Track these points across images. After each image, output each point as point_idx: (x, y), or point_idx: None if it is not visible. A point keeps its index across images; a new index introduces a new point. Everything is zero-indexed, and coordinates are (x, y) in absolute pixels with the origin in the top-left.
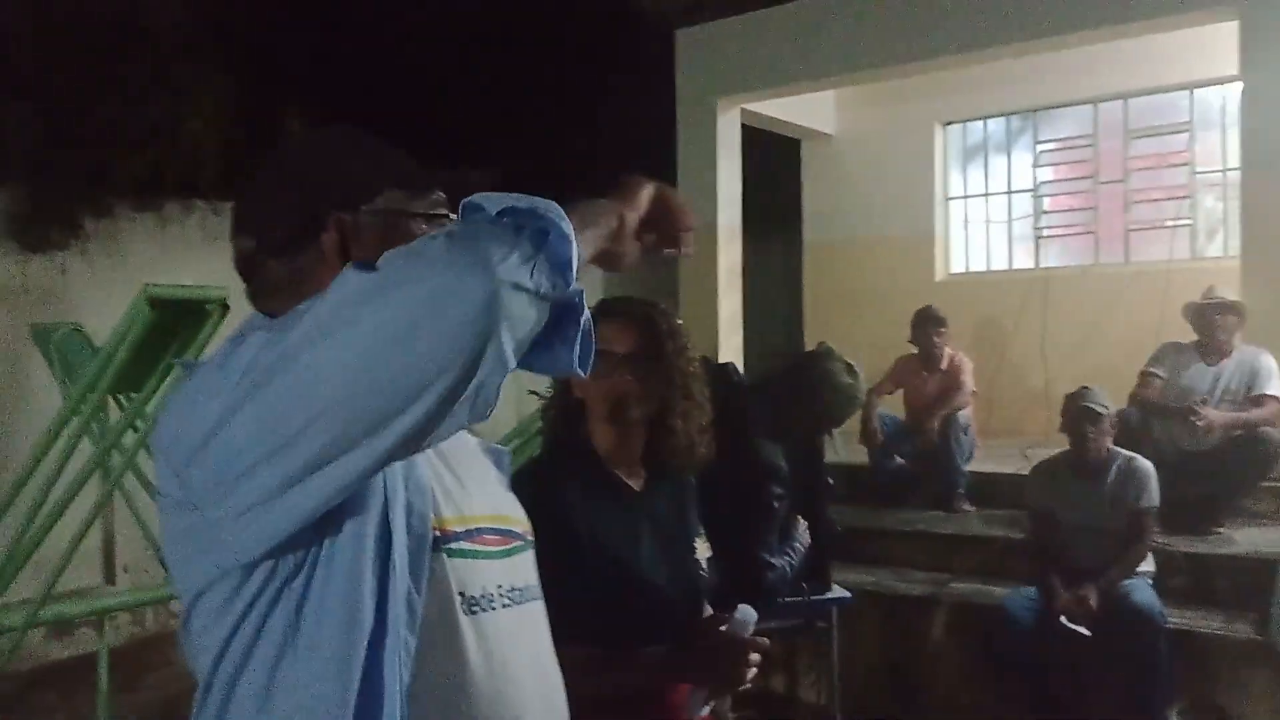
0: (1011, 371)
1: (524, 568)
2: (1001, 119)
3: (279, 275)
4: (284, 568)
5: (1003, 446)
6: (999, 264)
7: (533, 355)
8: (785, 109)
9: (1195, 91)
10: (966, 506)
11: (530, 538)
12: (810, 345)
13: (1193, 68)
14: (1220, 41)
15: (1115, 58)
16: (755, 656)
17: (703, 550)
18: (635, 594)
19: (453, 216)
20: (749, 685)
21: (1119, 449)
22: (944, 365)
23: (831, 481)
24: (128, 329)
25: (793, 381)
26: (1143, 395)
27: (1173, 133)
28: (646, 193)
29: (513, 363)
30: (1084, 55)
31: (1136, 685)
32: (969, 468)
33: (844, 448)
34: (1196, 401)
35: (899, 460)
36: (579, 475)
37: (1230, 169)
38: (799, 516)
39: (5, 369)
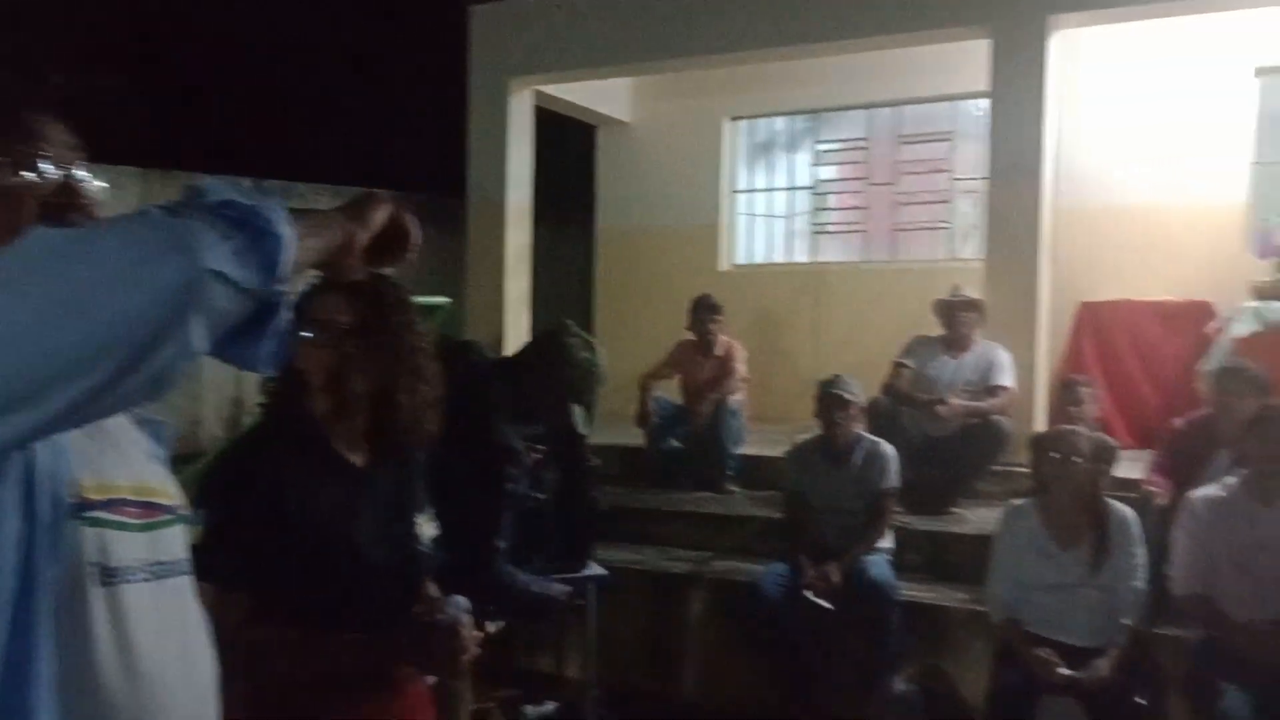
0: (785, 360)
1: (171, 542)
2: (786, 118)
3: None
4: None
5: (774, 431)
6: (779, 257)
7: (224, 346)
8: (581, 94)
9: (958, 103)
10: (733, 488)
11: (183, 512)
12: (601, 330)
13: (956, 80)
14: (979, 57)
15: (888, 66)
16: (468, 644)
17: (427, 529)
18: (352, 573)
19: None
20: (466, 669)
21: (865, 434)
22: (719, 352)
23: (598, 462)
24: None
25: (531, 360)
26: (893, 384)
27: (936, 140)
28: (381, 214)
29: (200, 349)
30: (860, 62)
31: (872, 653)
32: (740, 451)
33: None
34: (939, 392)
35: (673, 442)
36: (296, 450)
37: (983, 177)
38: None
39: None
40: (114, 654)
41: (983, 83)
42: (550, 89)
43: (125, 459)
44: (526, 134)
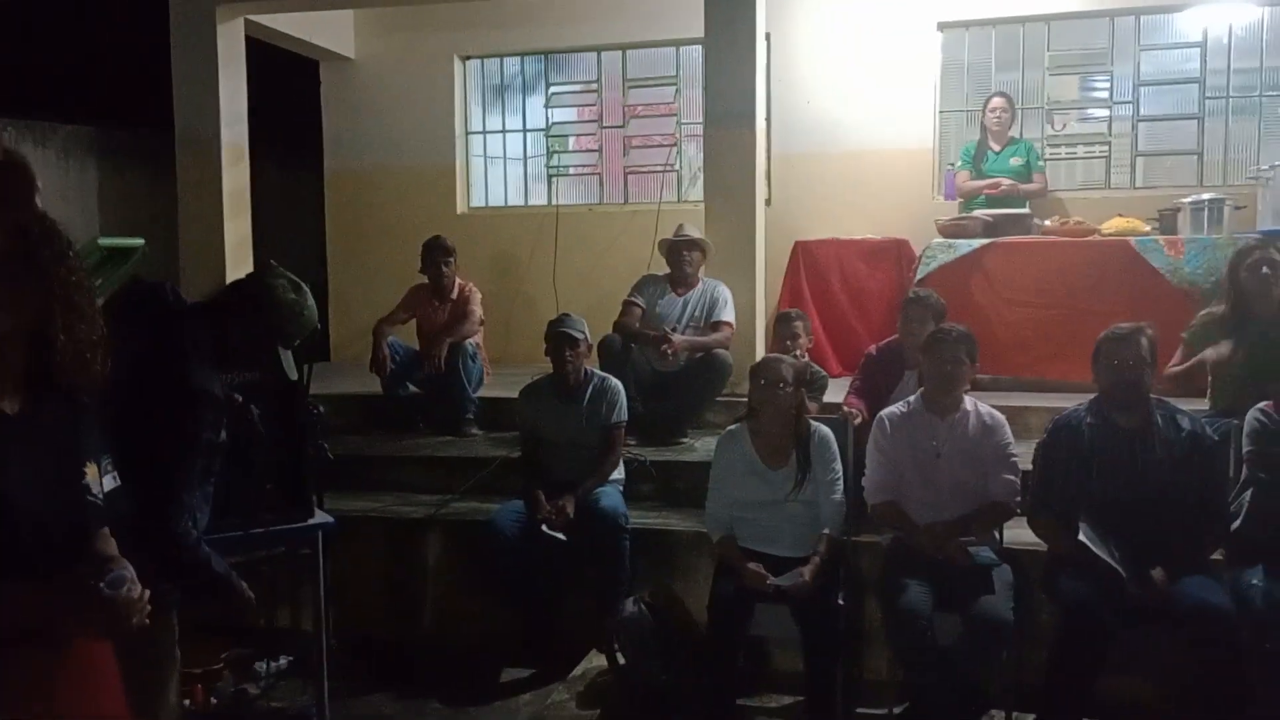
0: (525, 303)
1: None
2: (518, 58)
3: None
4: None
5: (517, 374)
6: (516, 200)
7: None
8: (300, 26)
9: (685, 49)
10: (474, 431)
11: None
12: (333, 275)
13: (679, 25)
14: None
15: (616, 9)
16: (132, 608)
17: (96, 475)
18: (4, 523)
19: None
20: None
21: (595, 370)
22: (453, 295)
23: (320, 410)
24: None
25: (233, 302)
26: (623, 322)
27: (663, 85)
28: None
29: None
30: (592, 4)
31: (604, 579)
32: (480, 394)
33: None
34: (666, 328)
35: (411, 388)
36: None
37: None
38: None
39: None
40: None
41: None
42: (264, 20)
43: None
44: (238, 67)
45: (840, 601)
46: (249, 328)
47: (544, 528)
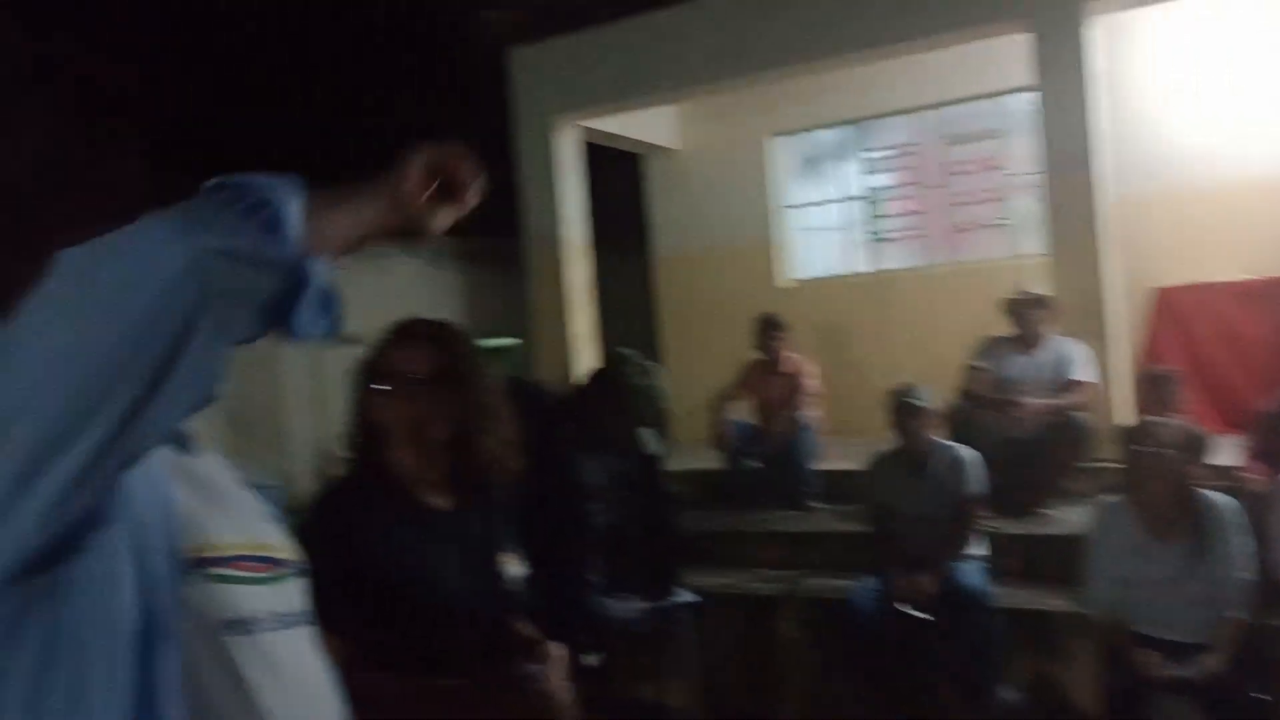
0: (855, 372)
1: (292, 594)
2: (831, 129)
3: None
4: (32, 592)
5: (851, 445)
6: (839, 269)
7: (264, 324)
8: (627, 125)
9: (1003, 99)
10: (815, 504)
11: (299, 566)
12: (668, 356)
13: (999, 77)
14: (1020, 51)
15: (930, 69)
16: (565, 690)
17: (514, 568)
18: (441, 618)
19: None
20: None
21: (943, 440)
22: (786, 369)
23: (674, 489)
24: None
25: (592, 392)
26: (970, 388)
27: (985, 139)
28: (416, 160)
29: (234, 335)
30: (902, 66)
31: (971, 663)
32: (819, 466)
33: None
34: (1015, 392)
35: (750, 463)
36: (380, 501)
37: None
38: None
39: None
40: (244, 703)
41: (1026, 76)
42: (594, 123)
43: (238, 518)
44: (576, 170)
45: (1262, 696)
46: (611, 413)
47: (903, 606)
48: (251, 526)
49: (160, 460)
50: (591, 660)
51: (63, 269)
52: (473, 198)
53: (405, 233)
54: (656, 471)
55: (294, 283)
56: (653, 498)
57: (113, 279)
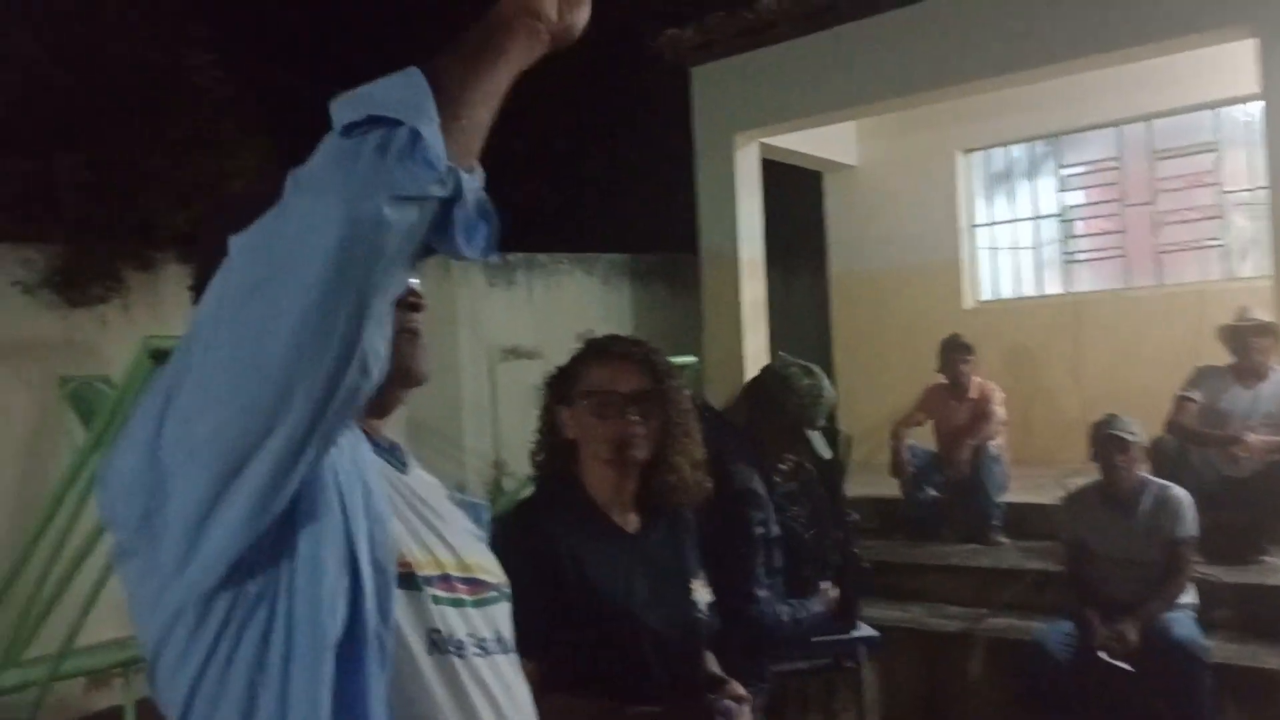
0: (1045, 399)
1: (498, 619)
2: (1024, 145)
3: None
4: (243, 600)
5: (1039, 476)
6: (1028, 290)
7: (437, 244)
8: (806, 141)
9: (1220, 110)
10: (1001, 539)
11: (506, 590)
12: (842, 377)
13: (1215, 86)
14: (1241, 59)
15: (1137, 79)
16: None
17: (702, 593)
18: (631, 642)
19: None
20: None
21: (1152, 478)
22: (972, 394)
23: (855, 516)
24: (131, 381)
25: (753, 399)
26: (1179, 421)
27: (1198, 153)
28: None
29: (405, 271)
30: (1105, 78)
31: None
32: (1004, 498)
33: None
34: (1235, 428)
35: (931, 492)
36: (570, 520)
37: (1260, 187)
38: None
39: (42, 420)
40: None
41: (1248, 86)
42: (773, 140)
43: (448, 537)
44: (755, 187)
45: None
46: (773, 418)
47: (1102, 655)
48: (462, 546)
49: (373, 474)
50: (764, 693)
51: (236, 255)
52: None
53: (552, 50)
54: (838, 499)
55: (449, 203)
56: (838, 526)
57: (286, 258)
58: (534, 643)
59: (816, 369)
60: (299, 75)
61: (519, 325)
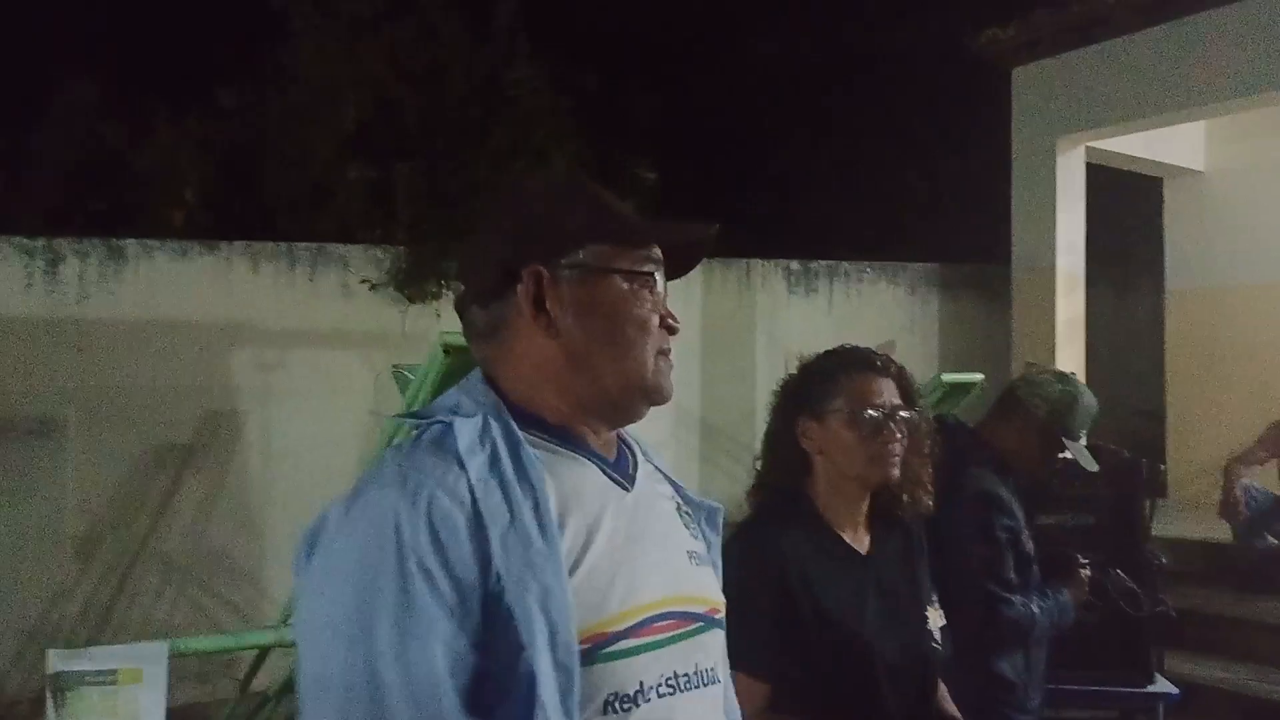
0: None
1: (696, 652)
2: None
3: (480, 321)
4: None
5: None
6: None
7: None
8: (1143, 145)
9: None
10: None
11: (716, 616)
12: (1174, 405)
13: None
14: None
15: None
16: None
17: (935, 620)
18: (862, 666)
19: (658, 276)
20: None
21: None
22: None
23: (1163, 559)
24: (427, 372)
25: (1004, 410)
26: None
27: None
28: None
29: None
30: None
31: None
32: None
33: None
34: None
35: (1270, 540)
36: (801, 536)
37: None
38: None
39: (378, 402)
40: None
41: None
42: (1103, 144)
43: (662, 569)
44: (1077, 195)
45: None
46: (1022, 428)
47: None
48: (677, 572)
49: (579, 521)
50: None
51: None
52: None
53: None
54: (1136, 517)
55: None
56: (1137, 563)
57: None
58: (763, 663)
59: (1073, 376)
60: (603, 81)
61: (818, 333)
